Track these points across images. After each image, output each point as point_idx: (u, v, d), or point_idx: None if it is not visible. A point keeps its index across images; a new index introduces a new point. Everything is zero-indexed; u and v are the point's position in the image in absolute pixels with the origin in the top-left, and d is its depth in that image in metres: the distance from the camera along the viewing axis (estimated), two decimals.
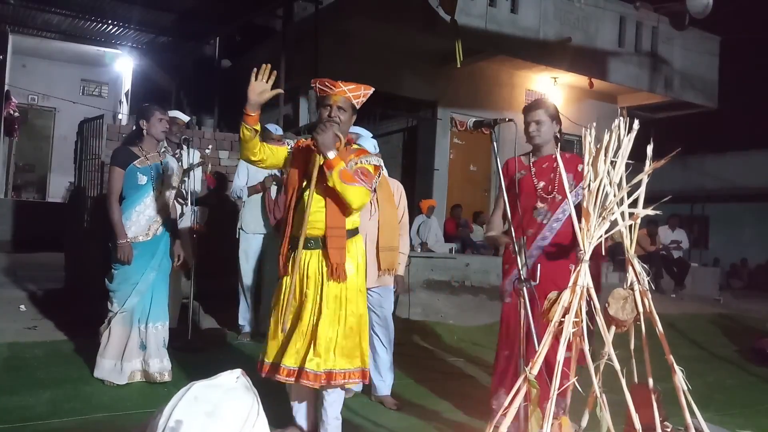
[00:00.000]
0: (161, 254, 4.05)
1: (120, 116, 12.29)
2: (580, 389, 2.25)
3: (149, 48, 10.56)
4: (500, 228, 3.63)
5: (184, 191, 4.99)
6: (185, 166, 4.91)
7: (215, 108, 10.06)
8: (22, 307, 5.65)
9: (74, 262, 6.41)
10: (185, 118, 5.31)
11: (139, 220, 3.94)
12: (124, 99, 12.47)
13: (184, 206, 4.98)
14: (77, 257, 6.28)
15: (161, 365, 3.95)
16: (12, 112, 11.60)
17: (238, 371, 2.24)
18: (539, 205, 3.28)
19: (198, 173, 5.26)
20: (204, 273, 5.32)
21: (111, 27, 9.73)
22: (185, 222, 5.03)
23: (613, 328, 2.35)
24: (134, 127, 4.23)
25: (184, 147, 5.09)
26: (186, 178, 4.88)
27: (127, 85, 12.36)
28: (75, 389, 3.73)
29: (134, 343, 3.90)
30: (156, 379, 3.89)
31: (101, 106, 11.90)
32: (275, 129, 5.59)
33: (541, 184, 3.30)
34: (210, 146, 6.21)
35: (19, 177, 13.29)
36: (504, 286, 3.39)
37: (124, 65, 12.22)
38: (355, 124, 4.76)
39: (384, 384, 3.92)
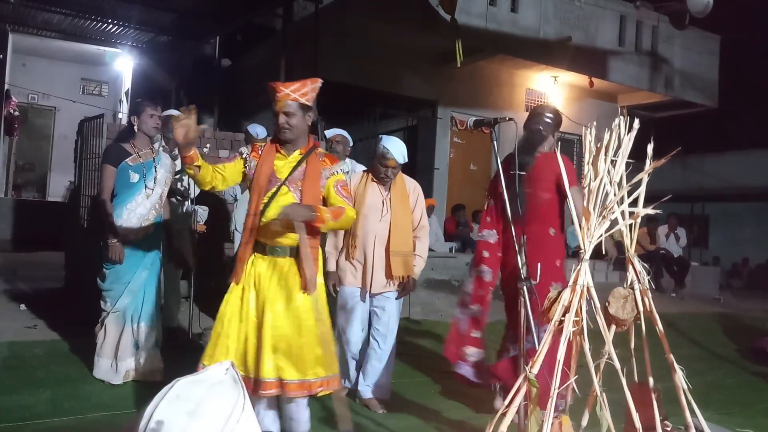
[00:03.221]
0: (153, 253, 3.99)
1: (120, 115, 12.28)
2: (577, 391, 2.24)
3: (149, 47, 10.54)
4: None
5: (182, 189, 4.97)
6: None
7: (215, 107, 10.06)
8: (22, 306, 5.64)
9: (74, 261, 6.40)
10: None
11: (131, 218, 3.87)
12: (124, 98, 12.47)
13: (182, 205, 4.96)
14: (77, 256, 6.26)
15: (152, 365, 3.89)
16: (12, 111, 11.59)
17: (227, 363, 2.20)
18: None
19: None
20: (203, 272, 5.31)
21: (111, 26, 9.71)
22: (185, 221, 5.02)
23: (614, 327, 2.34)
24: (126, 124, 4.17)
25: None
26: (183, 176, 4.85)
27: (127, 84, 12.35)
28: (74, 388, 3.72)
29: (127, 342, 3.85)
30: (148, 379, 3.82)
31: (101, 105, 11.88)
32: (257, 134, 5.31)
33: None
34: (208, 144, 6.19)
35: (19, 176, 13.27)
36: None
37: (124, 64, 12.21)
38: (354, 124, 4.74)
39: (368, 388, 3.79)
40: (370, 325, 3.89)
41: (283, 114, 2.81)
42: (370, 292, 3.76)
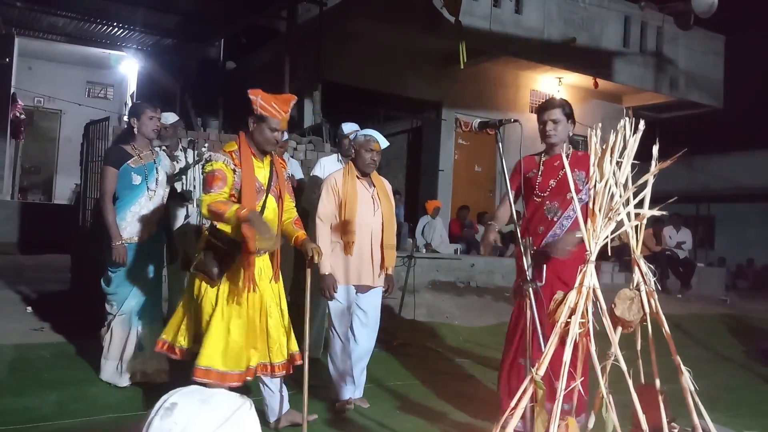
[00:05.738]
0: (156, 255, 3.99)
1: (125, 118, 12.33)
2: (582, 392, 2.23)
3: (154, 50, 10.59)
4: (504, 221, 3.63)
5: (184, 192, 4.96)
6: (183, 165, 4.88)
7: (220, 109, 10.09)
8: (29, 308, 5.66)
9: (80, 263, 6.42)
10: (170, 119, 4.95)
11: (134, 220, 3.87)
12: (129, 101, 12.51)
13: (189, 206, 4.95)
14: (83, 259, 6.29)
15: (158, 366, 3.87)
16: (18, 114, 11.65)
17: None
18: (549, 203, 3.28)
19: (198, 172, 5.15)
20: None
21: (116, 29, 9.77)
22: (189, 222, 5.01)
23: (620, 328, 2.34)
24: (125, 126, 4.15)
25: (189, 149, 5.05)
26: (183, 177, 4.84)
27: (132, 87, 12.41)
28: (81, 390, 3.74)
29: (133, 344, 3.86)
30: (154, 380, 3.82)
31: (107, 108, 11.96)
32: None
33: (551, 182, 3.29)
34: (206, 145, 6.18)
35: (25, 179, 13.35)
36: (516, 285, 3.38)
37: (129, 67, 12.28)
38: (355, 123, 4.71)
39: (353, 387, 3.72)
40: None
41: (281, 132, 3.10)
42: (361, 287, 3.73)
